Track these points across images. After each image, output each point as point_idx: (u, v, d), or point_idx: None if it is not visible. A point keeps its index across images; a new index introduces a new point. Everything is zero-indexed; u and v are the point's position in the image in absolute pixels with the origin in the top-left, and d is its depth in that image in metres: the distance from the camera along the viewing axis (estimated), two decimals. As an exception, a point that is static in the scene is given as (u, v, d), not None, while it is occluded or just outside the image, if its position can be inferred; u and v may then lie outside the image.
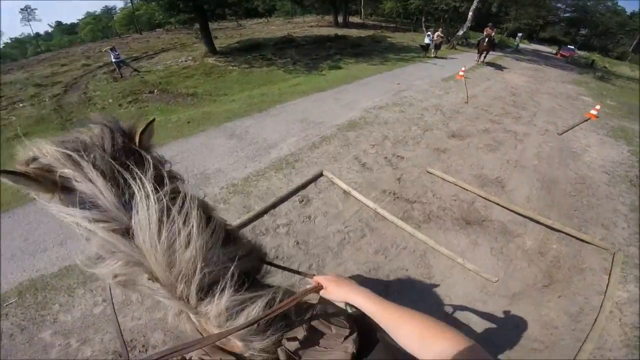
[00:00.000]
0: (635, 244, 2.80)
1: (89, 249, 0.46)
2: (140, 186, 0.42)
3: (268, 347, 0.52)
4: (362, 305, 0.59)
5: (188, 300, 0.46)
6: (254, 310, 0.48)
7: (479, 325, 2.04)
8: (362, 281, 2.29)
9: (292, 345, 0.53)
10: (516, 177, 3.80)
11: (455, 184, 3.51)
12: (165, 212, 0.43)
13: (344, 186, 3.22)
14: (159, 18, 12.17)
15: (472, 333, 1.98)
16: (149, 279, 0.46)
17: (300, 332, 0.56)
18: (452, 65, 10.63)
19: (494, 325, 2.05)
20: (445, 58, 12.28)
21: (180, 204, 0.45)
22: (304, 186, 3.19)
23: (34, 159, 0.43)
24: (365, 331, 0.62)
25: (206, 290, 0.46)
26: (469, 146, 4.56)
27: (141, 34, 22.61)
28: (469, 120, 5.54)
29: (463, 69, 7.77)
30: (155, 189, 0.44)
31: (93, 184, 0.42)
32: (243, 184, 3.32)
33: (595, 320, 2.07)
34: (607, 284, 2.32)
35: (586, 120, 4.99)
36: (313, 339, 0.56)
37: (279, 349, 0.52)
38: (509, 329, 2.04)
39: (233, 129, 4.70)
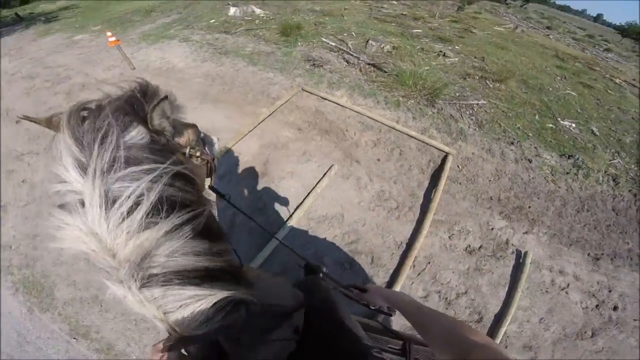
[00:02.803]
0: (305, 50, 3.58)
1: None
2: (95, 161, 0.40)
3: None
4: (401, 308, 0.69)
5: (129, 286, 0.44)
6: (200, 306, 0.47)
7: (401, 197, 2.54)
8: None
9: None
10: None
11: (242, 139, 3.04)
12: (108, 197, 0.40)
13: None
14: None
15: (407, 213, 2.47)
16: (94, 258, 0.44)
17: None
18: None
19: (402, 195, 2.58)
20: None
21: (136, 192, 0.40)
22: None
23: (53, 115, 0.50)
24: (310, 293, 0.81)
25: (162, 281, 0.44)
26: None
27: None
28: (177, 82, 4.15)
29: (109, 33, 4.48)
30: (111, 167, 0.40)
31: (67, 148, 0.42)
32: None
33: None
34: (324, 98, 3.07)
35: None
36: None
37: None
38: (408, 191, 2.61)
39: None
